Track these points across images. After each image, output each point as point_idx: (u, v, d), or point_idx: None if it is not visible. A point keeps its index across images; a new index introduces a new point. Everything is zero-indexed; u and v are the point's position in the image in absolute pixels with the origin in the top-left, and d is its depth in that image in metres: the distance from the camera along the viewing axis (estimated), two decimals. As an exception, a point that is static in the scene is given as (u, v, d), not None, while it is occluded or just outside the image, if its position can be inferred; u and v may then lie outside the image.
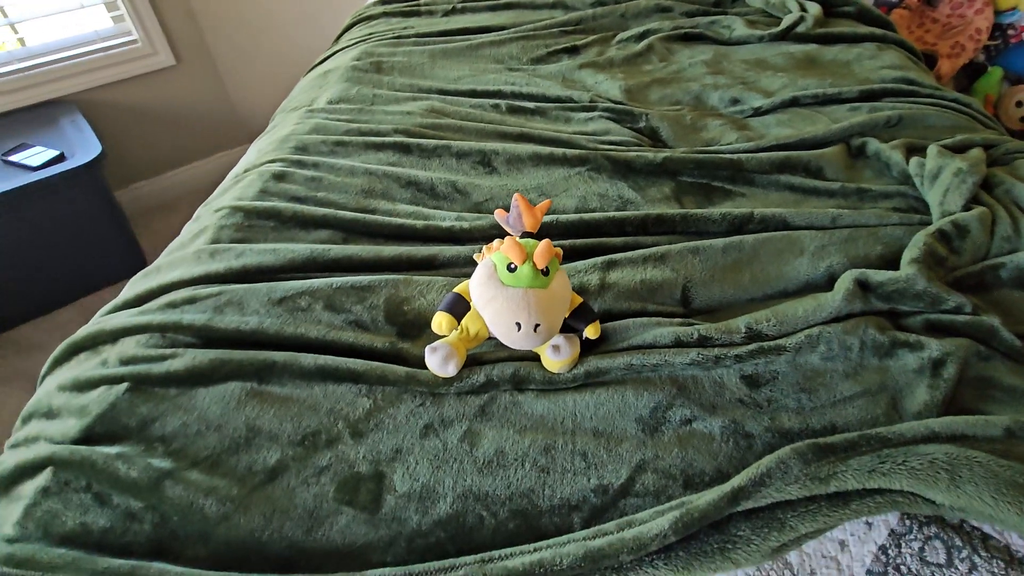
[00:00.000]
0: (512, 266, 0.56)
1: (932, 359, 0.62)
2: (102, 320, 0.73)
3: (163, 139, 2.08)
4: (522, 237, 0.60)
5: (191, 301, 0.70)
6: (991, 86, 1.99)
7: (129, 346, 0.67)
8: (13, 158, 1.53)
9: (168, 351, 0.65)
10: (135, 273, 1.86)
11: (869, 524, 0.52)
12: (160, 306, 0.71)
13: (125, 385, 0.62)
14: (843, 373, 0.63)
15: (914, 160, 0.90)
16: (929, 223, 0.81)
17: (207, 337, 0.67)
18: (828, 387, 0.62)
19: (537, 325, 0.54)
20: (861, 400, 0.61)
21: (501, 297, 0.55)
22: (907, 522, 0.52)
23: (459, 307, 0.61)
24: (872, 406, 0.60)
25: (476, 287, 0.57)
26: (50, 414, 0.64)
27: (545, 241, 0.56)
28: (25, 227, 1.53)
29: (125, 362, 0.65)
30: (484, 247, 0.65)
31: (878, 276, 0.68)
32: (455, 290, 0.63)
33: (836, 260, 0.75)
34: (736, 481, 0.49)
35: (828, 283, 0.74)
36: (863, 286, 0.68)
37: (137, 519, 0.54)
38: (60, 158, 1.56)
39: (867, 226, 0.80)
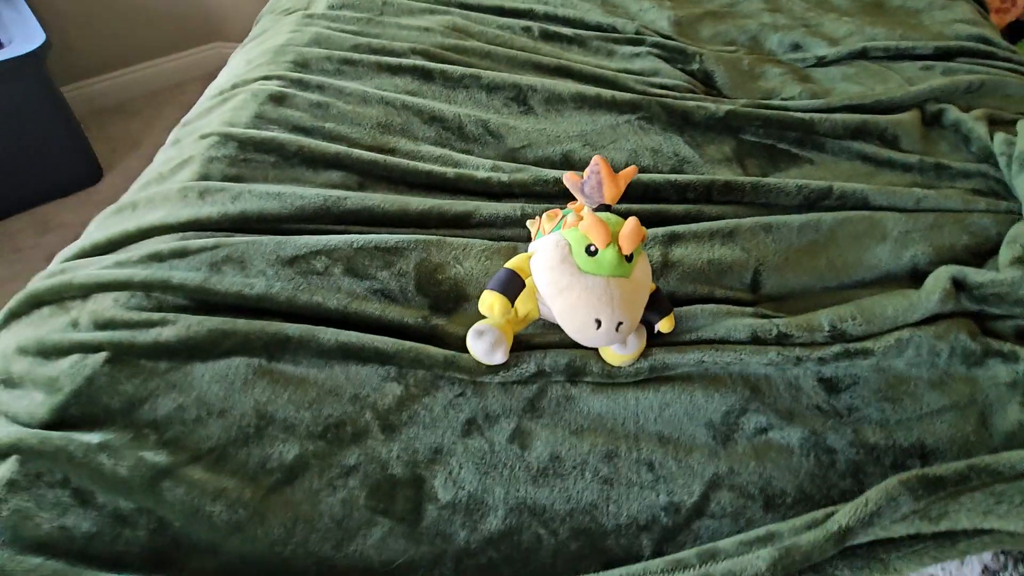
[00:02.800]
0: (593, 249, 0.46)
1: (1027, 373, 0.56)
2: (67, 268, 0.60)
3: (117, 29, 1.80)
4: (597, 210, 0.50)
5: (180, 254, 0.58)
6: (1032, 49, 1.87)
7: (105, 305, 0.55)
8: (-61, 43, 1.29)
9: (156, 315, 0.54)
10: (90, 184, 1.66)
11: (961, 560, 0.48)
12: (141, 257, 0.58)
13: (103, 355, 0.52)
14: (928, 382, 0.57)
15: (1000, 137, 0.81)
16: (1016, 211, 0.74)
17: (202, 301, 0.56)
18: (913, 397, 0.56)
19: (620, 323, 0.45)
20: (950, 415, 0.55)
21: (578, 287, 0.45)
22: (1001, 558, 0.48)
23: (513, 287, 0.51)
24: (961, 422, 0.55)
25: (545, 271, 0.47)
26: (10, 383, 0.53)
27: (633, 220, 0.46)
28: (-41, 125, 1.32)
29: (102, 325, 0.54)
30: (544, 215, 0.55)
31: (978, 276, 0.60)
32: (508, 265, 0.52)
33: (921, 250, 0.67)
34: (842, 519, 0.43)
35: (910, 275, 0.67)
36: (959, 285, 0.61)
37: (129, 523, 0.45)
38: (-4, 45, 1.32)
39: (952, 211, 0.72)
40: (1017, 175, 0.76)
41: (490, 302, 0.51)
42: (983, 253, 0.68)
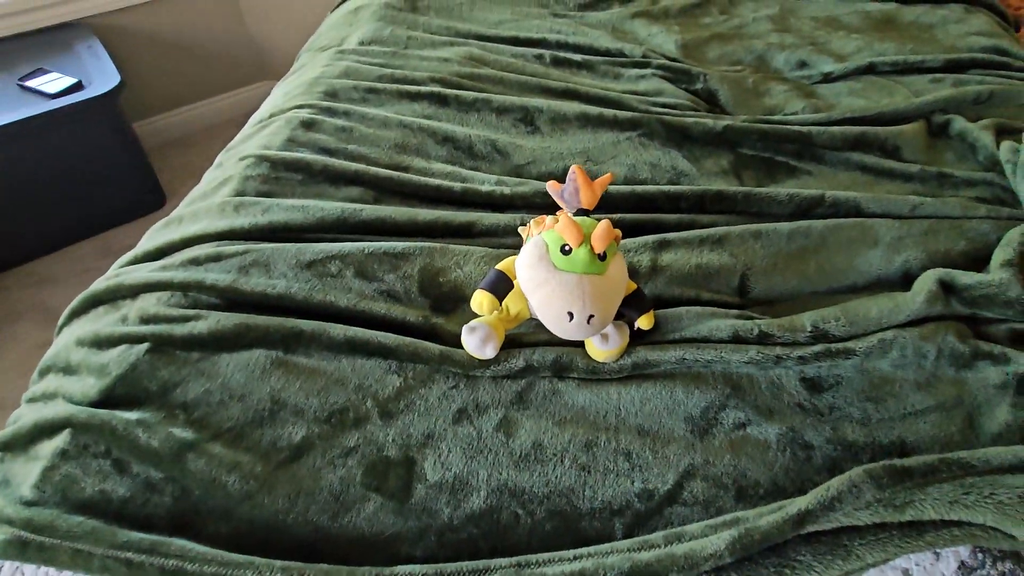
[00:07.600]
0: (567, 248, 0.50)
1: (1018, 375, 0.56)
2: (121, 272, 0.69)
3: (180, 71, 2.00)
4: (576, 214, 0.54)
5: (215, 259, 0.66)
6: (1076, 60, 1.81)
7: (150, 303, 0.63)
8: (30, 83, 1.47)
9: (191, 312, 0.62)
10: (155, 210, 1.83)
11: (937, 554, 0.48)
12: (182, 262, 0.66)
13: (146, 345, 0.59)
14: (914, 383, 0.58)
15: (1006, 144, 0.80)
16: (1021, 218, 0.73)
17: (231, 299, 0.63)
18: (897, 397, 0.57)
19: (591, 316, 0.49)
20: (934, 415, 0.56)
21: (553, 282, 0.50)
22: (979, 555, 0.48)
23: (502, 286, 0.56)
24: (946, 423, 0.55)
25: (524, 268, 0.52)
26: (68, 370, 0.61)
27: (604, 222, 0.50)
28: (41, 157, 1.49)
29: (146, 320, 0.62)
30: (532, 221, 0.59)
31: (965, 278, 0.61)
32: (498, 267, 0.57)
33: (913, 255, 0.68)
34: (802, 503, 0.45)
35: (902, 280, 0.68)
36: (946, 288, 0.61)
37: (157, 490, 0.52)
38: (78, 86, 1.49)
39: (949, 217, 0.73)
40: (1021, 180, 0.75)
41: (479, 300, 0.56)
42: (983, 259, 0.68)
